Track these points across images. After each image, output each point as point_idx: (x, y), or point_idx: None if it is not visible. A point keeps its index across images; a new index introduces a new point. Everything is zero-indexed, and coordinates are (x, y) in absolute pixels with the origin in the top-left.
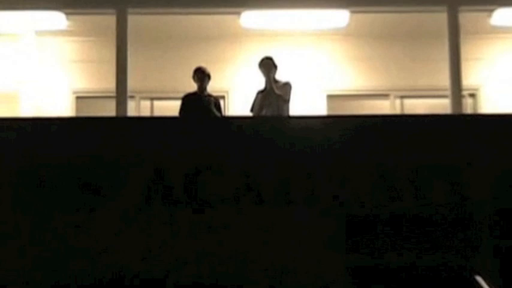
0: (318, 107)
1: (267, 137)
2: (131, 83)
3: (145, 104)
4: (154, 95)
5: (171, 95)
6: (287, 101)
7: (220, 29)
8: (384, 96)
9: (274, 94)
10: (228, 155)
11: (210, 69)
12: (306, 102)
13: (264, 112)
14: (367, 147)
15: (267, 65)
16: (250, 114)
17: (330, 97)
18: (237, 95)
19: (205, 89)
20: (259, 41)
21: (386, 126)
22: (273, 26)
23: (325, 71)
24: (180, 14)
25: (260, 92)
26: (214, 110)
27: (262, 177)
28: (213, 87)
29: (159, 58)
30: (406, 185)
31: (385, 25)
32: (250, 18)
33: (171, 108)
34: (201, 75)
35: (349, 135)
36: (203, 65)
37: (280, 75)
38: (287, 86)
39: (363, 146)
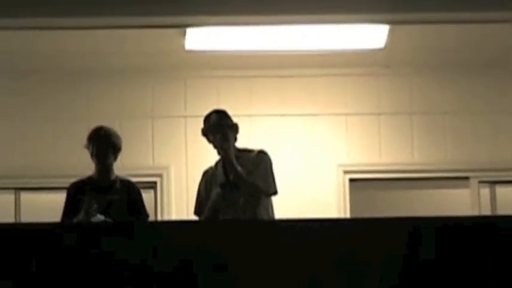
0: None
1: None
2: None
3: (6, 197)
4: (21, 184)
5: (53, 182)
6: (268, 193)
7: (145, 55)
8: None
9: (240, 181)
10: None
11: (126, 131)
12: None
13: (220, 216)
14: None
15: (218, 128)
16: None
17: (354, 182)
18: (183, 174)
19: (109, 169)
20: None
21: None
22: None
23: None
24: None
25: (207, 174)
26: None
27: None
28: (131, 165)
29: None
30: None
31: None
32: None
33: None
34: (104, 144)
35: None
36: (106, 124)
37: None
38: (264, 161)
39: None
